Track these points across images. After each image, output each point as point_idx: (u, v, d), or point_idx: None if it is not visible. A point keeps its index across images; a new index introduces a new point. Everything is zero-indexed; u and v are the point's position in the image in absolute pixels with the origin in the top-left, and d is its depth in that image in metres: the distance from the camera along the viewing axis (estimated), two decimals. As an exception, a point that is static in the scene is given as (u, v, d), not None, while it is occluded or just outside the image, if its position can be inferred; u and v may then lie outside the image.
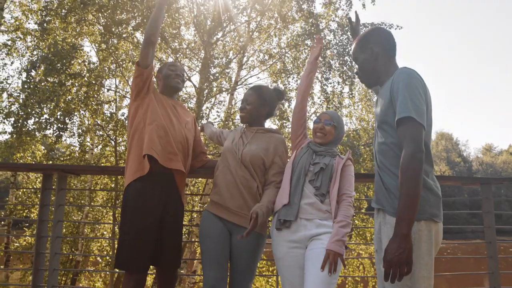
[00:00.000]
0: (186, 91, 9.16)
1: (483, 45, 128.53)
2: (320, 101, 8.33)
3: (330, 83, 8.20)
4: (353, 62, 7.84)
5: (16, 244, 9.64)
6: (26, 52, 9.34)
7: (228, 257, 1.93)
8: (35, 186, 8.80)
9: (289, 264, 1.78)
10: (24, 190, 8.93)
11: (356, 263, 9.30)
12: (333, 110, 2.14)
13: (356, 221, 8.92)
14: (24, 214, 8.78)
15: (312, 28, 8.22)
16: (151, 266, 1.97)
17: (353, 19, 2.26)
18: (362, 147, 7.89)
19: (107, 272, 9.12)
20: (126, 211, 1.90)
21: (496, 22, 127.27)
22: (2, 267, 9.63)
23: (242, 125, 2.20)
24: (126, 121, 8.12)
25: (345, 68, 8.00)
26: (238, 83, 9.49)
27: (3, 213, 9.50)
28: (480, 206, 2.86)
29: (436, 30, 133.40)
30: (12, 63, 9.67)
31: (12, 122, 7.20)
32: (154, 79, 2.26)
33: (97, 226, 9.56)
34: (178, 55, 8.39)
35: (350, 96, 8.23)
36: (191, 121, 2.27)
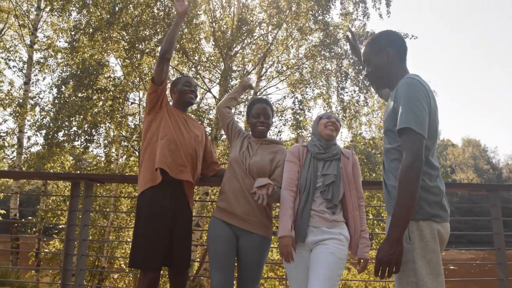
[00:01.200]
0: (207, 102, 9.46)
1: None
2: (337, 110, 8.40)
3: (347, 92, 8.29)
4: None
5: (46, 250, 10.11)
6: (56, 68, 9.95)
7: (235, 261, 2.03)
8: (63, 194, 9.25)
9: (296, 264, 1.89)
10: (54, 198, 9.40)
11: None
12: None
13: (376, 229, 8.84)
14: (54, 221, 9.23)
15: (329, 38, 8.35)
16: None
17: (350, 37, 2.27)
18: (379, 155, 7.88)
19: (131, 277, 9.41)
20: (140, 216, 2.06)
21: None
22: (33, 272, 10.11)
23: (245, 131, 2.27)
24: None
25: (360, 77, 8.06)
26: (257, 94, 9.71)
27: (34, 220, 10.02)
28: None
29: (459, 34, 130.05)
30: (44, 78, 10.31)
31: (43, 134, 7.68)
32: (168, 92, 2.43)
33: (121, 233, 9.93)
34: (198, 68, 8.71)
35: (366, 104, 8.27)
36: (201, 134, 2.39)
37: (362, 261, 1.89)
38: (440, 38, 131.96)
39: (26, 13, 10.38)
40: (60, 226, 9.78)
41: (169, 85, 2.47)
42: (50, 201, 10.06)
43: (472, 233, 2.97)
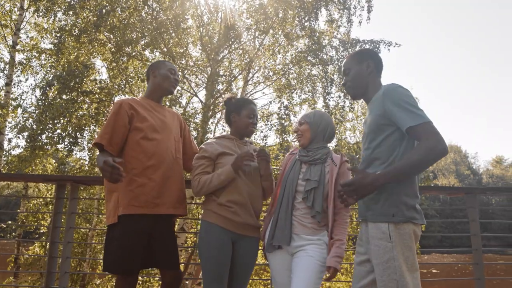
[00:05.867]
0: (193, 106, 9.47)
1: (492, 55, 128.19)
2: (323, 115, 8.52)
3: (332, 98, 8.44)
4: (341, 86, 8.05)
5: (27, 254, 9.87)
6: (40, 70, 9.79)
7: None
8: (46, 197, 9.07)
9: (278, 266, 1.95)
10: (35, 201, 9.21)
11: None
12: (311, 110, 2.22)
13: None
14: (36, 223, 9.02)
15: (315, 45, 8.51)
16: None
17: None
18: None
19: (113, 282, 9.26)
20: (116, 225, 1.97)
21: (504, 33, 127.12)
22: (11, 278, 9.84)
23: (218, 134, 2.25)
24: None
25: (345, 83, 8.22)
26: (244, 98, 9.75)
27: (14, 226, 9.77)
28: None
29: (441, 39, 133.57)
30: (26, 79, 10.10)
31: (25, 136, 7.53)
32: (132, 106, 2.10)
33: (104, 237, 9.77)
34: (185, 72, 8.72)
35: (351, 109, 8.44)
36: (177, 126, 2.25)
37: (331, 269, 1.84)
38: (422, 45, 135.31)
39: (9, 13, 10.19)
40: (42, 231, 9.56)
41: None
42: (31, 204, 9.83)
43: (450, 234, 3.10)
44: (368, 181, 1.54)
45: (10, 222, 10.09)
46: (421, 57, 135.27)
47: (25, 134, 7.56)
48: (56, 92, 7.25)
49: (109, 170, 1.70)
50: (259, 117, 2.20)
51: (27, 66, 9.75)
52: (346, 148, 8.26)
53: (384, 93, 1.64)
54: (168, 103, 7.76)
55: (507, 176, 53.49)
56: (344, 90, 8.24)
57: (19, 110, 8.77)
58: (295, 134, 2.08)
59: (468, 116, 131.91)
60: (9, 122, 9.34)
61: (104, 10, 7.20)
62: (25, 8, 10.09)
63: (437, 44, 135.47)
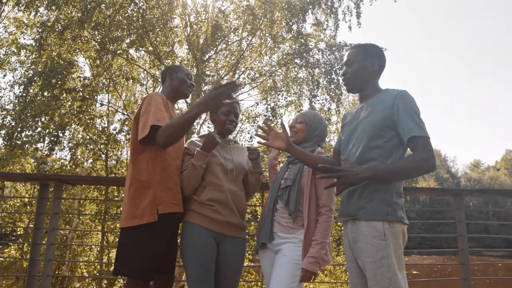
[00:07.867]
0: (179, 107, 9.35)
1: (471, 61, 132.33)
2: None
3: (318, 100, 8.49)
4: (339, 77, 8.16)
5: (1, 259, 9.51)
6: (19, 66, 9.46)
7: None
8: (24, 200, 8.75)
9: (265, 263, 1.98)
10: (12, 202, 8.89)
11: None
12: (311, 110, 2.19)
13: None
14: (12, 226, 8.71)
15: (302, 47, 8.55)
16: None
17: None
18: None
19: (94, 286, 9.03)
20: (151, 223, 1.83)
21: (484, 39, 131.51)
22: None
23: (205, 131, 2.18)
24: (117, 135, 8.24)
25: (332, 86, 8.29)
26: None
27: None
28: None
29: (423, 43, 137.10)
30: (4, 76, 9.74)
31: (3, 135, 7.25)
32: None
33: (85, 240, 9.53)
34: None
35: (337, 112, 8.51)
36: None
37: (303, 271, 1.79)
38: (404, 48, 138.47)
39: (-14, 7, 9.82)
40: (19, 232, 9.24)
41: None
42: (8, 206, 9.48)
43: (437, 235, 3.14)
44: (356, 171, 1.56)
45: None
46: (403, 60, 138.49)
47: (3, 132, 7.29)
48: (37, 89, 7.01)
49: (229, 86, 1.70)
50: (240, 115, 2.12)
51: (5, 62, 9.40)
52: (331, 150, 8.33)
53: (398, 97, 1.65)
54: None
55: (484, 180, 55.25)
56: (331, 93, 8.30)
57: (-4, 107, 8.45)
58: (290, 130, 2.05)
59: (448, 119, 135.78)
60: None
61: (89, 6, 7.03)
62: (3, 1, 9.75)
63: (418, 48, 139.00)
